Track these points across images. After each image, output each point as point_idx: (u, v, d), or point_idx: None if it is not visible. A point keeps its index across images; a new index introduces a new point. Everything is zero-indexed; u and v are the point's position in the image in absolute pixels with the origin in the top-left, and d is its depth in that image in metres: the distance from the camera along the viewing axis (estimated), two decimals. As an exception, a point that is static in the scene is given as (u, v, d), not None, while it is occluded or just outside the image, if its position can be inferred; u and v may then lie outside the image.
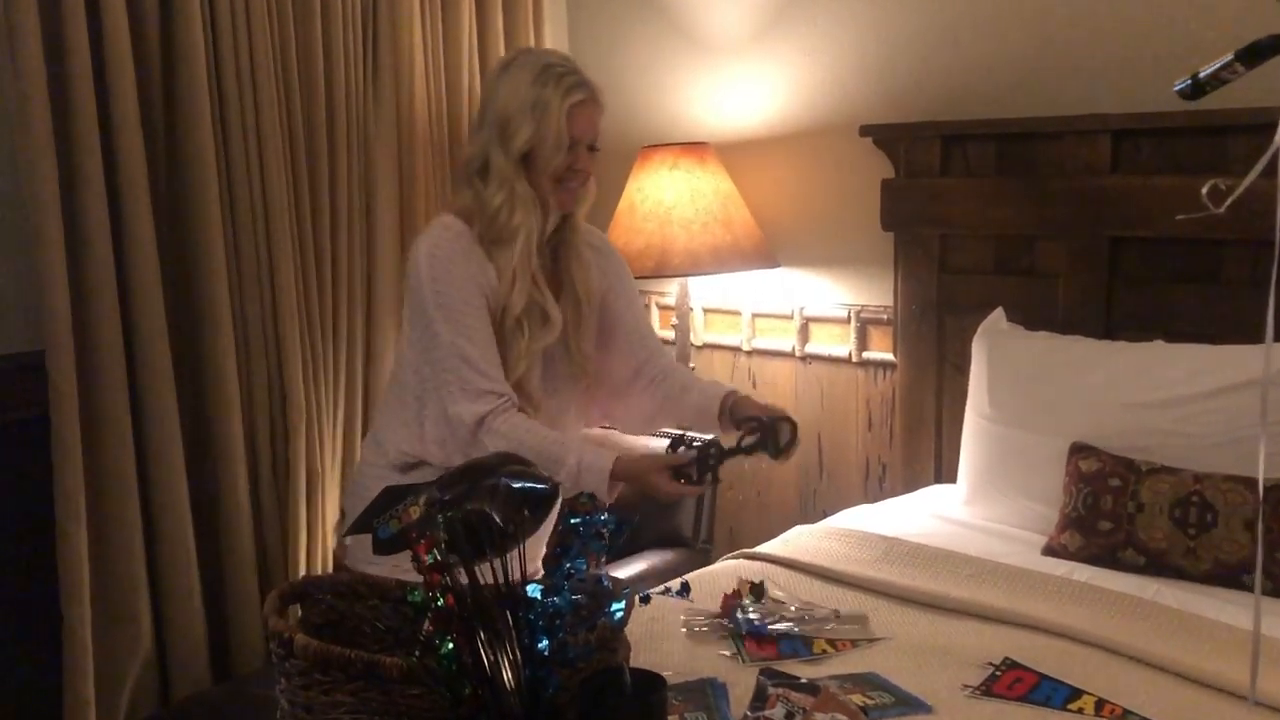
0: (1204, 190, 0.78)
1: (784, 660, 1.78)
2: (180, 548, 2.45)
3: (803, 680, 1.63)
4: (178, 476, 2.43)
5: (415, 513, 1.19)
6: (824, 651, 1.82)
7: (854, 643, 1.85)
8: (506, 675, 1.20)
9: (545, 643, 1.23)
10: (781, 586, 2.11)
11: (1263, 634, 1.80)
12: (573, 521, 1.23)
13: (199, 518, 2.50)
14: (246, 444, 2.58)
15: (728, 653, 1.82)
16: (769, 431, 1.88)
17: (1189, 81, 0.77)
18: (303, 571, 2.65)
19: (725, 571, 2.21)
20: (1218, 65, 0.74)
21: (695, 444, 1.87)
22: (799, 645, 1.83)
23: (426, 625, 1.21)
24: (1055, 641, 1.84)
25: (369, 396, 2.85)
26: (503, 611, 1.22)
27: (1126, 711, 1.60)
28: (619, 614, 1.23)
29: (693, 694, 1.64)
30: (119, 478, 2.33)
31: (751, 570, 2.20)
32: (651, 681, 1.27)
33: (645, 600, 1.23)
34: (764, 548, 2.35)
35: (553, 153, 1.97)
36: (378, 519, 1.19)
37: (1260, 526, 1.43)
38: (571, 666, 1.26)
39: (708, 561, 2.78)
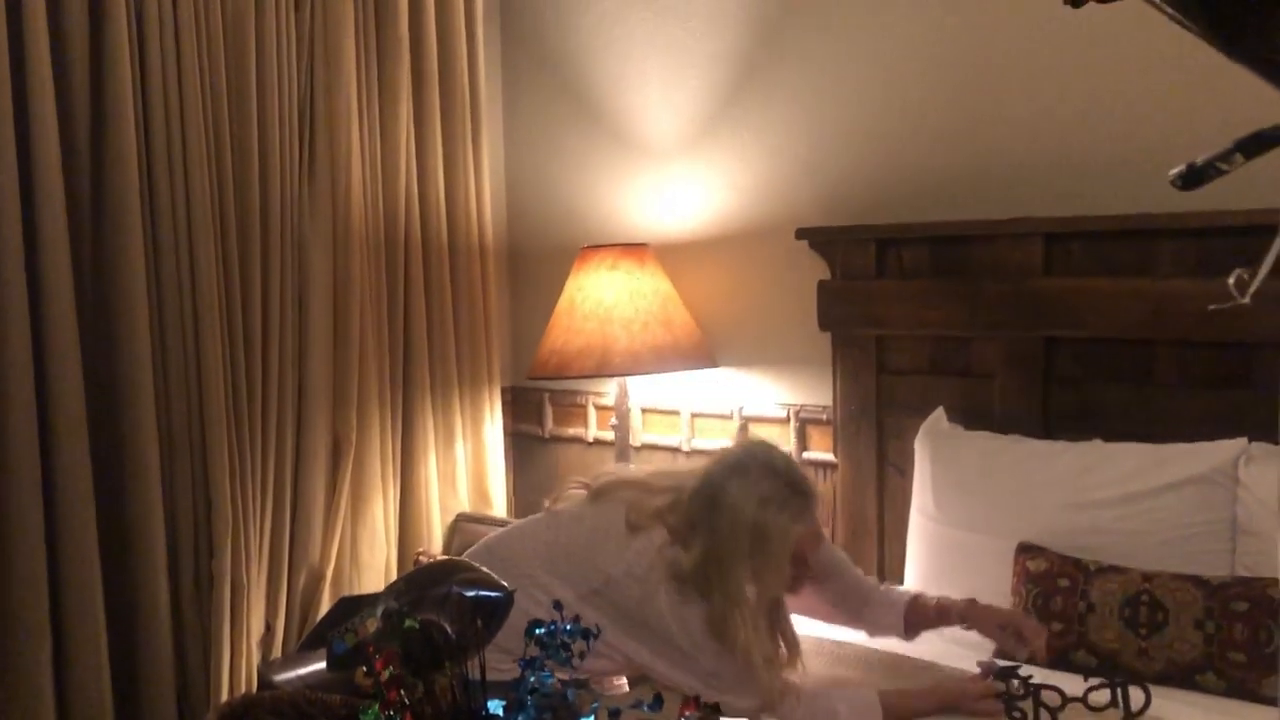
0: (1230, 280, 0.77)
1: None
2: (91, 660, 2.30)
3: None
4: (93, 581, 2.29)
5: (372, 625, 1.12)
6: None
7: None
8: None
9: (508, 763, 1.16)
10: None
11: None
12: (537, 632, 1.17)
13: (114, 630, 2.36)
14: (168, 556, 2.46)
15: None
16: (1122, 692, 1.83)
17: (1184, 169, 0.77)
18: (225, 689, 2.51)
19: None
20: (1216, 154, 0.74)
21: (1029, 680, 1.85)
22: None
23: (379, 746, 1.13)
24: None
25: (297, 508, 2.74)
26: (463, 730, 1.15)
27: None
28: None
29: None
30: (26, 585, 2.19)
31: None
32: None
33: (614, 716, 1.16)
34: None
35: (780, 579, 1.97)
36: (333, 632, 1.12)
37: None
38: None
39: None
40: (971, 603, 2.10)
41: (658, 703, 1.16)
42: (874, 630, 2.25)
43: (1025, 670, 1.92)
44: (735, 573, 1.90)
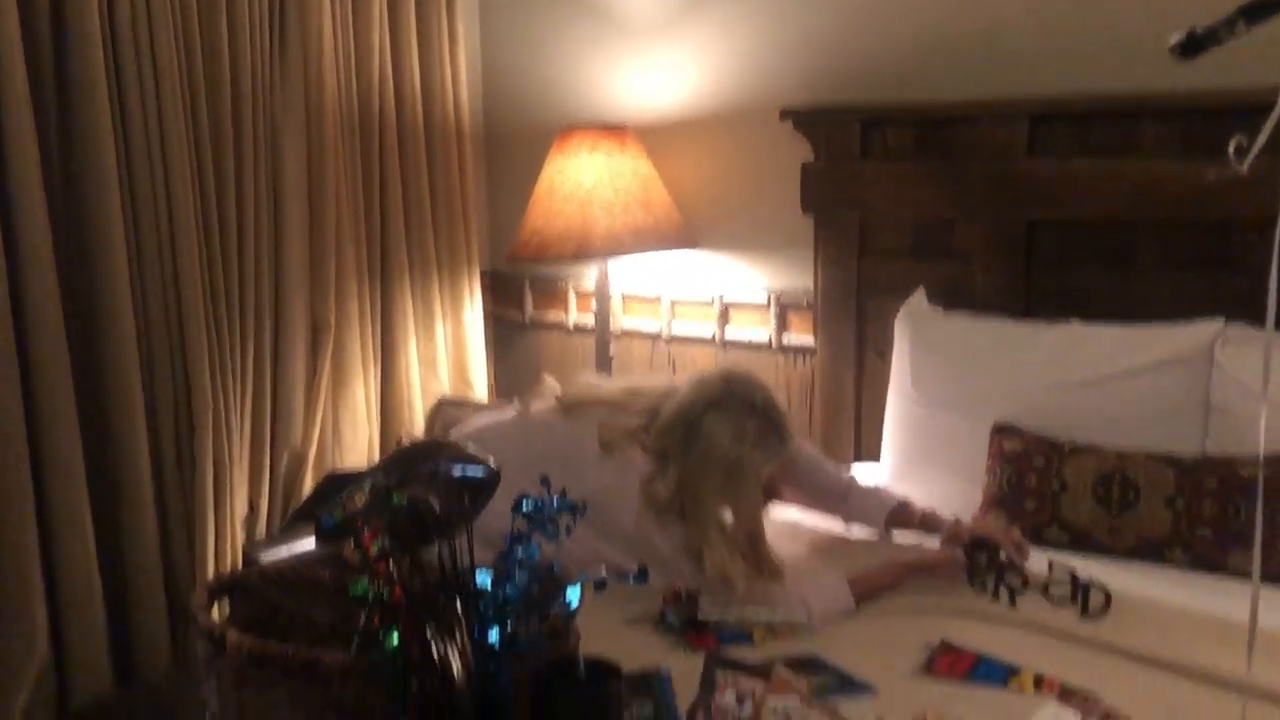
0: (1230, 147, 0.76)
1: (725, 648, 1.75)
2: (78, 545, 2.31)
3: (749, 663, 1.60)
4: (75, 470, 2.30)
5: (360, 500, 1.13)
6: (764, 640, 1.80)
7: (793, 629, 1.83)
8: (456, 668, 1.15)
9: (495, 633, 1.18)
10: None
11: (1188, 608, 1.85)
12: (524, 509, 1.18)
13: (98, 513, 2.37)
14: (149, 437, 2.46)
15: (669, 644, 1.78)
16: (1084, 593, 1.87)
17: (1183, 37, 0.75)
18: (210, 569, 2.54)
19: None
20: (1218, 22, 0.72)
21: (997, 556, 1.96)
22: (739, 635, 1.80)
23: (366, 617, 1.15)
24: (988, 626, 1.85)
25: (277, 389, 2.74)
26: (451, 602, 1.16)
27: (1065, 686, 1.61)
28: (573, 602, 1.19)
29: (638, 684, 1.60)
30: (10, 471, 2.19)
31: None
32: (606, 671, 1.22)
33: (601, 586, 1.18)
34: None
35: (752, 515, 1.98)
36: (321, 506, 1.12)
37: (1260, 504, 1.44)
38: (523, 657, 1.21)
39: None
40: (957, 523, 2.13)
41: (642, 575, 1.18)
42: (852, 519, 2.30)
43: (1003, 552, 1.96)
44: (708, 504, 1.93)
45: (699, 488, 1.93)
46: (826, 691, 1.58)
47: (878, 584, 1.96)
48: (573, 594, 1.19)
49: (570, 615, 1.24)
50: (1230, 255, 2.33)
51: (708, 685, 1.51)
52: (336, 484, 1.13)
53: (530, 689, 1.20)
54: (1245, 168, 0.74)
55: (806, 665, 1.66)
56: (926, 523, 2.19)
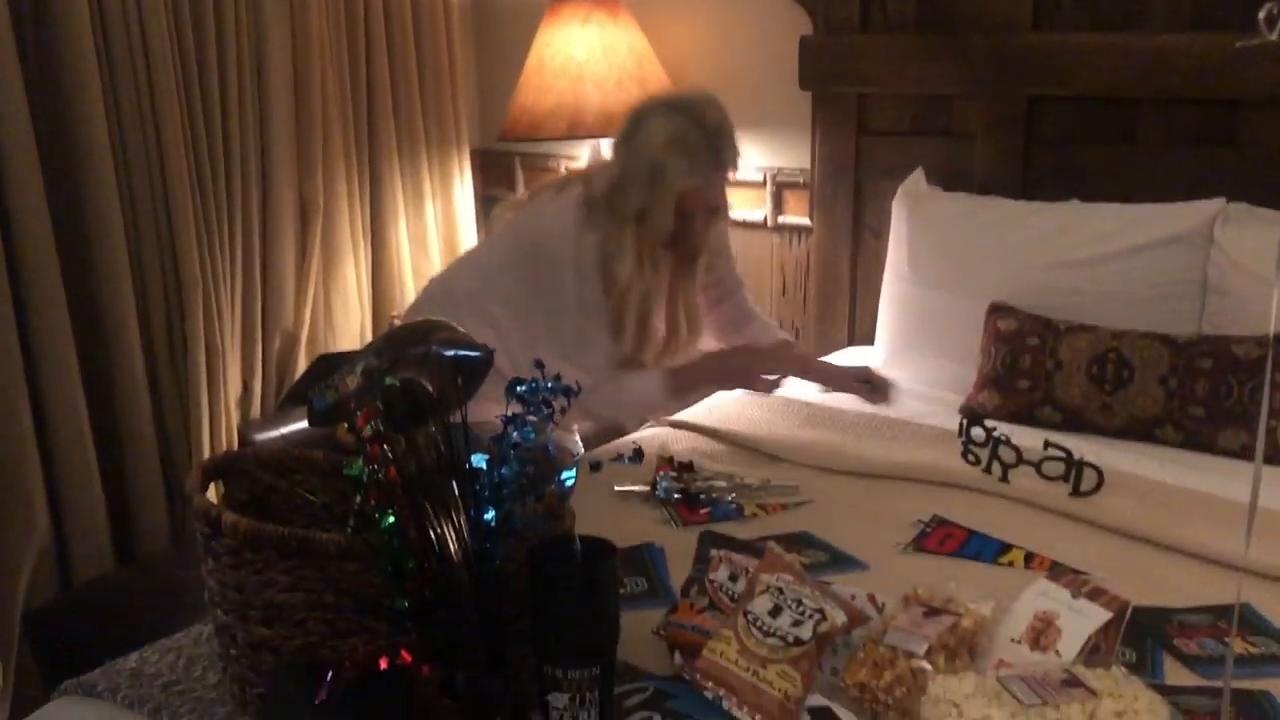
0: (1260, 15, 0.73)
1: (717, 524, 1.77)
2: (73, 428, 2.31)
3: (742, 540, 1.62)
4: (65, 350, 2.28)
5: (352, 382, 1.12)
6: (755, 515, 1.81)
7: (784, 506, 1.85)
8: (453, 547, 1.15)
9: (491, 514, 1.18)
10: (706, 455, 2.09)
11: (1178, 486, 1.87)
12: (519, 389, 1.17)
13: (92, 396, 2.36)
14: (139, 319, 2.44)
15: (661, 519, 1.80)
16: (1077, 470, 1.87)
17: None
18: (206, 451, 2.55)
19: (645, 440, 2.18)
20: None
21: (993, 431, 1.98)
22: (730, 510, 1.82)
23: (362, 498, 1.14)
24: (981, 499, 1.87)
25: (267, 271, 2.71)
26: (448, 483, 1.16)
27: (1055, 563, 1.63)
28: (569, 482, 1.19)
29: (630, 559, 1.62)
30: (0, 357, 2.18)
31: (673, 438, 2.18)
32: (601, 550, 1.23)
33: (596, 468, 1.18)
34: (684, 415, 2.32)
35: (662, 226, 1.99)
36: (313, 388, 1.11)
37: (1268, 387, 1.44)
38: (519, 536, 1.21)
39: (624, 430, 2.76)
40: (824, 363, 2.25)
41: (637, 456, 1.17)
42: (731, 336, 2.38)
43: (990, 423, 1.96)
44: (630, 199, 1.98)
45: (626, 181, 1.99)
46: (818, 568, 1.60)
47: (695, 376, 2.01)
48: (568, 475, 1.19)
49: (565, 495, 1.24)
50: (1234, 134, 2.29)
51: (701, 561, 1.52)
52: (328, 365, 1.12)
53: (527, 568, 1.21)
54: (1276, 36, 0.71)
55: (798, 543, 1.68)
56: (801, 362, 2.30)
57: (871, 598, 1.44)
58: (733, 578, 1.41)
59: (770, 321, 2.43)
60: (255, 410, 2.76)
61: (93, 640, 2.10)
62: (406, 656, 1.13)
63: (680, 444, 2.13)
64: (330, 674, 1.10)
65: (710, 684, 1.26)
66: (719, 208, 2.09)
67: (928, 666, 1.22)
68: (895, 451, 2.05)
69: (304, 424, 2.72)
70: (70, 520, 2.35)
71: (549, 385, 1.18)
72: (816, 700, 1.25)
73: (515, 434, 1.17)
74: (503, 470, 1.17)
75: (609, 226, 1.99)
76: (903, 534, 1.74)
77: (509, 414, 1.17)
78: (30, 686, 2.25)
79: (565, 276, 2.01)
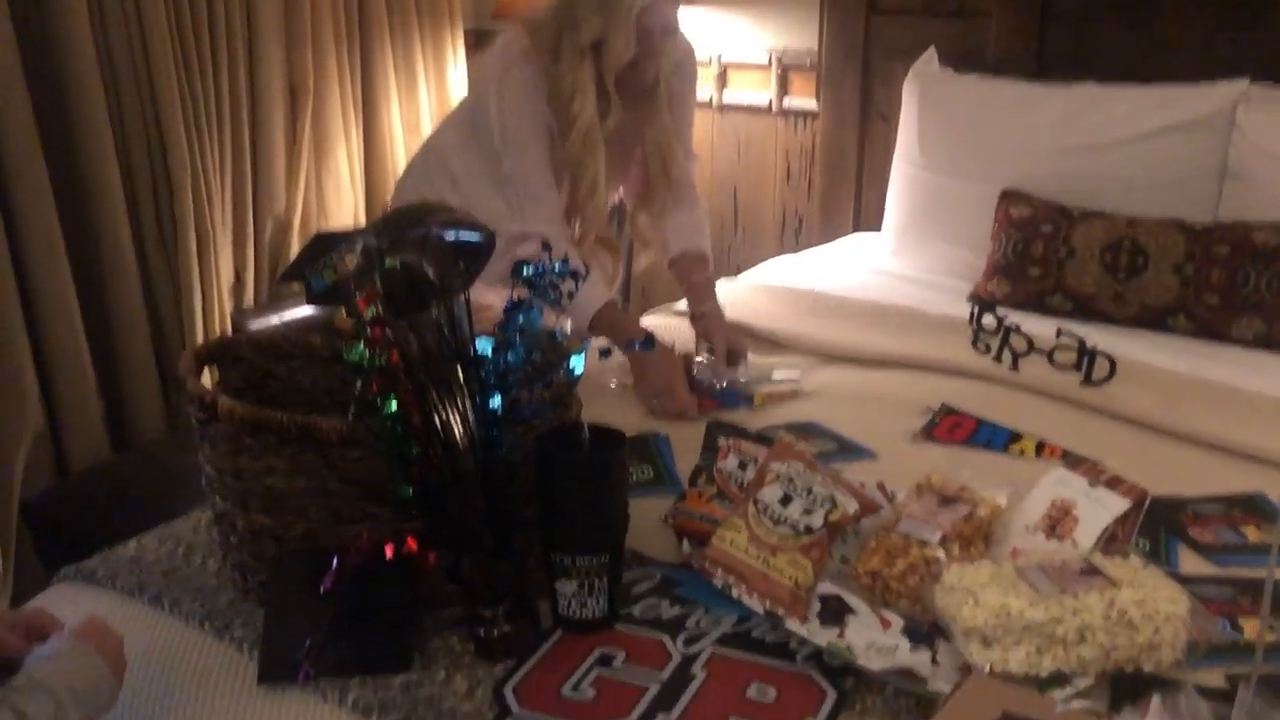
0: None
1: (725, 413, 1.74)
2: (62, 312, 2.26)
3: (751, 431, 1.59)
4: (52, 235, 2.21)
5: (351, 262, 1.07)
6: (763, 404, 1.78)
7: (794, 394, 1.82)
8: (458, 434, 1.12)
9: (498, 400, 1.15)
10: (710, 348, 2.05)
11: (1191, 375, 1.84)
12: (525, 273, 1.12)
13: (80, 282, 2.31)
14: (127, 204, 2.37)
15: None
16: (1089, 358, 1.82)
17: None
18: (200, 338, 2.50)
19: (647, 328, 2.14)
20: None
21: (1004, 320, 1.89)
22: (738, 399, 1.79)
23: (363, 384, 1.11)
24: (989, 388, 1.84)
25: (257, 153, 2.62)
26: (452, 368, 1.12)
27: (1066, 452, 1.60)
28: (577, 369, 1.15)
29: (636, 448, 1.59)
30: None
31: (674, 328, 2.14)
32: (610, 437, 1.20)
33: (605, 355, 1.14)
34: (681, 304, 2.28)
35: (622, 50, 1.81)
36: (311, 268, 1.06)
37: None
38: (526, 424, 1.18)
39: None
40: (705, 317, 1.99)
41: (649, 343, 1.13)
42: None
43: (1001, 311, 1.92)
44: (584, 30, 1.81)
45: (577, 7, 1.82)
46: (826, 457, 1.57)
47: (621, 327, 1.80)
48: (576, 362, 1.15)
49: (573, 383, 1.20)
50: (1260, 13, 2.20)
51: (709, 450, 1.50)
52: (325, 245, 1.07)
53: (534, 456, 1.18)
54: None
55: (805, 432, 1.65)
56: (695, 291, 2.01)
57: (881, 486, 1.42)
58: (741, 466, 1.39)
59: (696, 224, 2.11)
60: (249, 299, 2.71)
61: (91, 528, 2.08)
62: (413, 544, 1.10)
63: (682, 334, 2.09)
64: (336, 562, 1.07)
65: (719, 571, 1.24)
66: (673, 26, 1.94)
67: (942, 555, 1.20)
68: (903, 340, 2.01)
69: (299, 311, 2.68)
70: (64, 407, 2.32)
71: (556, 268, 1.13)
72: (827, 588, 1.23)
73: (521, 319, 1.13)
74: (508, 356, 1.13)
75: (565, 63, 1.84)
76: (911, 423, 1.71)
77: (513, 298, 1.13)
78: (30, 574, 2.25)
79: (491, 115, 1.88)
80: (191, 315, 2.48)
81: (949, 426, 1.69)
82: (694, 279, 2.01)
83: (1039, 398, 1.81)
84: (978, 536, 1.24)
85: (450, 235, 1.35)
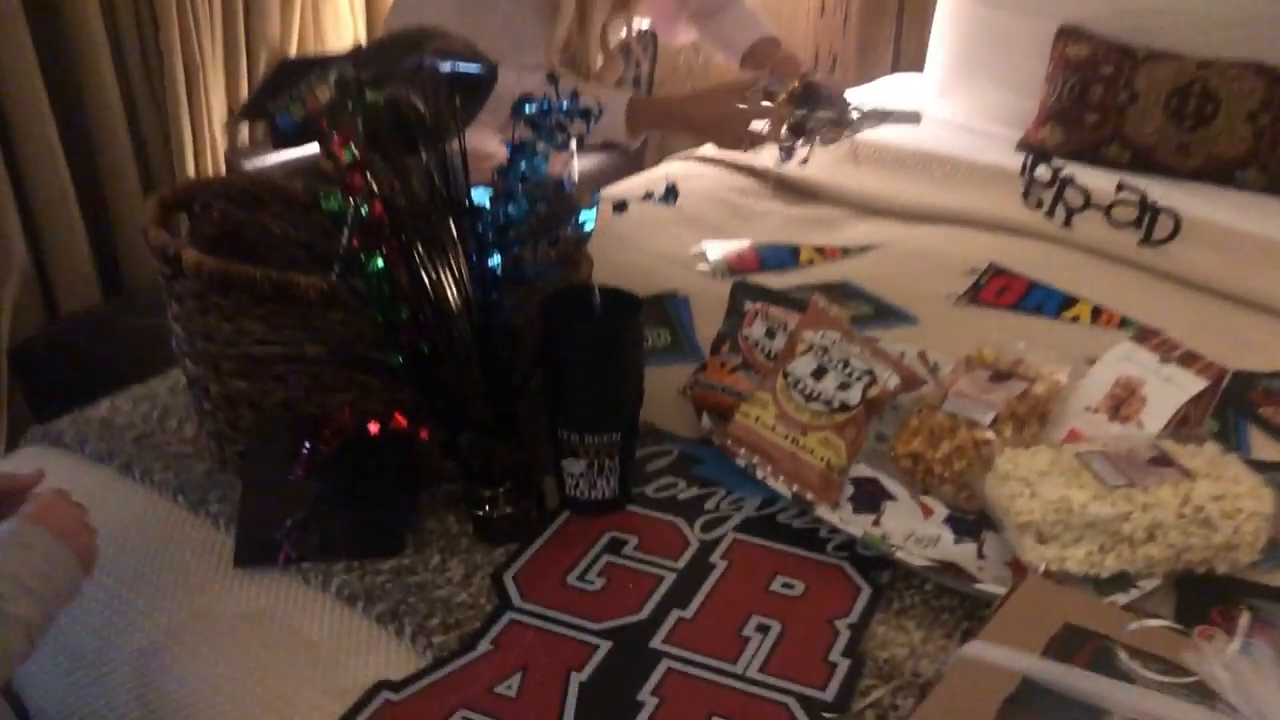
0: None
1: (763, 274, 1.59)
2: (43, 147, 2.11)
3: (779, 291, 1.45)
4: (28, 65, 2.05)
5: (324, 95, 0.92)
6: (810, 261, 1.64)
7: (844, 251, 1.67)
8: (452, 296, 0.99)
9: (497, 259, 1.01)
10: (737, 190, 1.90)
11: (1261, 235, 1.69)
12: (527, 111, 0.97)
13: (61, 116, 2.15)
14: (109, 33, 2.18)
15: (702, 266, 1.62)
16: (1151, 215, 1.65)
17: None
18: (192, 174, 2.35)
19: (669, 177, 1.98)
20: None
21: (1059, 170, 1.69)
22: (784, 255, 1.64)
23: (347, 239, 0.97)
24: (1040, 246, 1.69)
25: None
26: (445, 221, 0.98)
27: (1124, 319, 1.46)
28: (587, 225, 1.00)
29: (652, 310, 1.46)
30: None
31: (697, 173, 1.98)
32: (625, 302, 1.06)
33: (621, 208, 0.99)
34: (709, 149, 2.11)
35: None
36: (275, 101, 0.91)
37: None
38: (529, 286, 1.04)
39: (642, 166, 2.56)
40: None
41: (670, 195, 0.99)
42: (709, 41, 1.97)
43: (1057, 161, 1.75)
44: None
45: None
46: (861, 322, 1.44)
47: (661, 112, 1.70)
48: (587, 216, 1.00)
49: (583, 239, 1.06)
50: None
51: (734, 314, 1.36)
52: (292, 74, 0.91)
53: (539, 321, 1.04)
54: None
55: (838, 293, 1.51)
56: (783, 65, 1.81)
57: (922, 356, 1.29)
58: (770, 333, 1.25)
59: (752, 13, 1.97)
60: (245, 137, 2.54)
61: (81, 375, 1.98)
62: (401, 420, 0.99)
63: (704, 180, 1.93)
64: (306, 447, 0.96)
65: (743, 450, 1.12)
66: None
67: (993, 437, 1.08)
68: (947, 192, 1.85)
69: (301, 154, 2.51)
70: (50, 249, 2.19)
71: (563, 105, 0.97)
72: (862, 470, 1.12)
73: (523, 165, 0.98)
74: (509, 209, 0.99)
75: None
76: (956, 284, 1.57)
77: (515, 140, 0.98)
78: (21, 420, 2.16)
79: None
80: (182, 155, 2.32)
81: (997, 289, 1.55)
82: (777, 60, 1.84)
83: (1094, 258, 1.66)
84: (1033, 417, 1.11)
85: (446, 66, 1.20)
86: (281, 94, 0.91)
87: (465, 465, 1.05)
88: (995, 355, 1.18)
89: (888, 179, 1.90)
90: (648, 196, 0.96)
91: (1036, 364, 1.17)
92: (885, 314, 1.47)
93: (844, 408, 1.11)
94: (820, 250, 1.67)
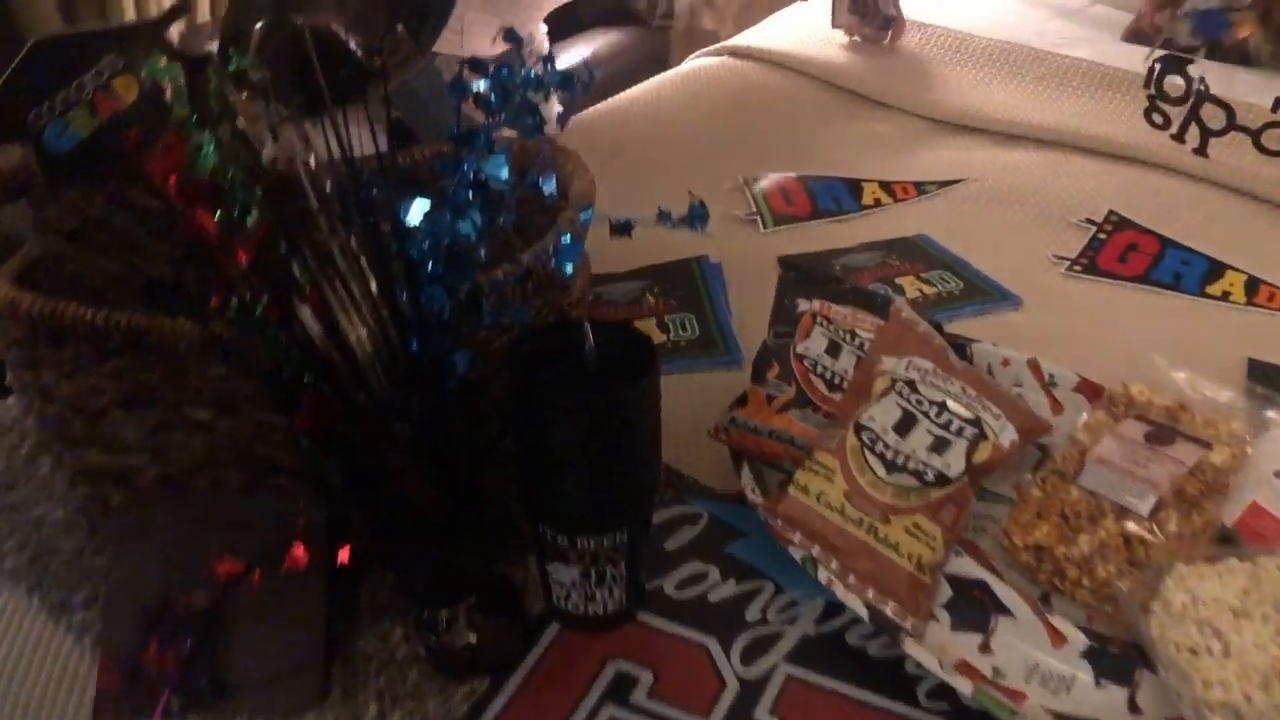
0: None
1: (818, 221, 1.25)
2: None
3: (846, 287, 1.08)
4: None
5: (128, 90, 0.57)
6: (875, 203, 1.29)
7: (919, 189, 1.32)
8: (363, 350, 0.67)
9: (440, 297, 0.68)
10: (777, 95, 1.54)
11: None
12: (473, 89, 0.62)
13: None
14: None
15: (741, 212, 1.28)
16: None
17: None
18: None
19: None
20: None
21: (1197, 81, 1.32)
22: (843, 194, 1.30)
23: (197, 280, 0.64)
24: (1167, 182, 1.33)
25: None
26: (356, 252, 0.65)
27: (1293, 297, 1.12)
28: (574, 256, 0.66)
29: (671, 281, 1.14)
30: None
31: (728, 70, 1.62)
32: (630, 346, 0.73)
33: (623, 231, 0.65)
34: (749, 39, 1.73)
35: None
36: (37, 110, 0.57)
37: None
38: (494, 327, 0.72)
39: (667, 41, 2.18)
40: None
41: (697, 218, 0.64)
42: None
43: (1201, 68, 1.36)
44: None
45: None
46: (946, 304, 1.10)
47: None
48: (569, 248, 0.66)
49: (565, 283, 0.72)
50: None
51: (783, 318, 0.99)
52: (62, 55, 0.56)
53: (510, 377, 0.72)
54: None
55: (911, 254, 1.17)
56: None
57: (1034, 367, 0.95)
58: (832, 348, 0.92)
59: None
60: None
61: None
62: (299, 555, 0.67)
63: (735, 80, 1.57)
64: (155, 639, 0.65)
65: (798, 537, 0.81)
66: None
67: (1155, 538, 0.76)
68: (1043, 102, 1.48)
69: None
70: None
71: (529, 74, 0.63)
72: (964, 566, 0.80)
73: (474, 164, 0.64)
74: (457, 227, 0.65)
75: None
76: (1065, 241, 1.22)
77: (457, 127, 0.64)
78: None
79: None
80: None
81: (1120, 249, 1.20)
82: None
83: (1236, 198, 1.30)
84: (1208, 498, 0.79)
85: None
86: (45, 94, 0.56)
87: (409, 583, 0.75)
88: (1148, 396, 0.85)
89: (965, 82, 1.53)
90: (663, 219, 0.63)
91: (1203, 405, 0.84)
92: (977, 292, 1.13)
93: (941, 481, 0.80)
94: (888, 187, 1.32)
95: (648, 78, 1.69)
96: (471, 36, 1.20)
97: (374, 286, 0.67)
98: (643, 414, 0.72)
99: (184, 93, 0.53)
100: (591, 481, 0.72)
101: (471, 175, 0.65)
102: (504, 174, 0.63)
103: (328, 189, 0.67)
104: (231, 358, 0.70)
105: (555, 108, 0.69)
